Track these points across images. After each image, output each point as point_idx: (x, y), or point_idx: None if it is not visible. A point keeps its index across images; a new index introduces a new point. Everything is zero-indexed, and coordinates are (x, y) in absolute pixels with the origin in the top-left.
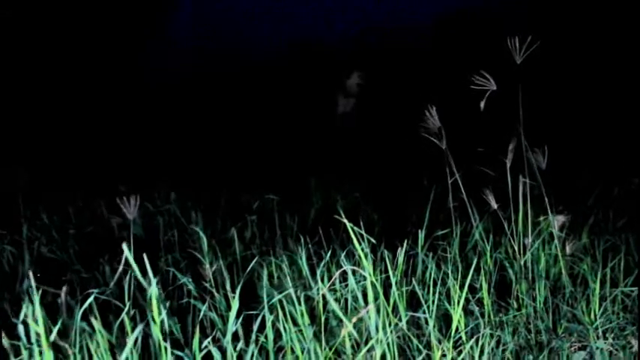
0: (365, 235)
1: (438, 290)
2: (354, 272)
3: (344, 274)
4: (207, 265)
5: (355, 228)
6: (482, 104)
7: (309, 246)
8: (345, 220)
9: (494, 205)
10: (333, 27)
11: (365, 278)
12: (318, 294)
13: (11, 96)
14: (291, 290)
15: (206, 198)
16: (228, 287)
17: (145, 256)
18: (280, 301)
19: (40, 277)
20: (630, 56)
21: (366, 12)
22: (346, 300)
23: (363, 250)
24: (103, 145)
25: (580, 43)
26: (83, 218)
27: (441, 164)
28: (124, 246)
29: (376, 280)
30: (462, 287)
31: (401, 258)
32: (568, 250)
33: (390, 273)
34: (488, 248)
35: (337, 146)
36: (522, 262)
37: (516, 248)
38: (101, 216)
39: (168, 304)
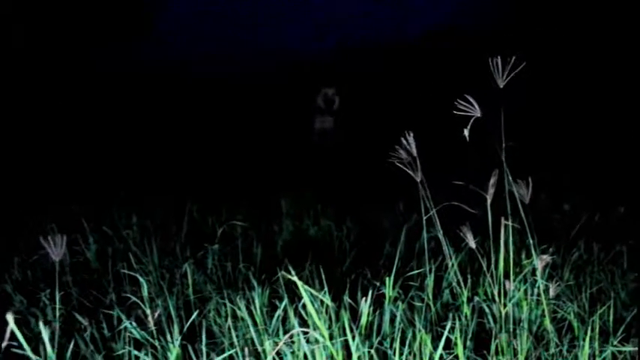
0: (324, 292)
1: (406, 350)
2: (307, 332)
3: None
4: (149, 312)
5: (308, 288)
6: (466, 132)
7: (271, 285)
8: (296, 279)
9: (473, 244)
10: (314, 43)
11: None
12: (268, 352)
13: None
14: (237, 350)
15: (168, 221)
16: (176, 334)
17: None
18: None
19: None
20: (616, 79)
21: (346, 30)
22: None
23: (317, 312)
24: (58, 155)
25: (565, 65)
26: (30, 242)
27: (416, 195)
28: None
29: (333, 342)
30: (434, 339)
31: (365, 310)
32: (552, 292)
33: (349, 335)
34: (465, 294)
35: (312, 164)
36: (503, 311)
37: (496, 291)
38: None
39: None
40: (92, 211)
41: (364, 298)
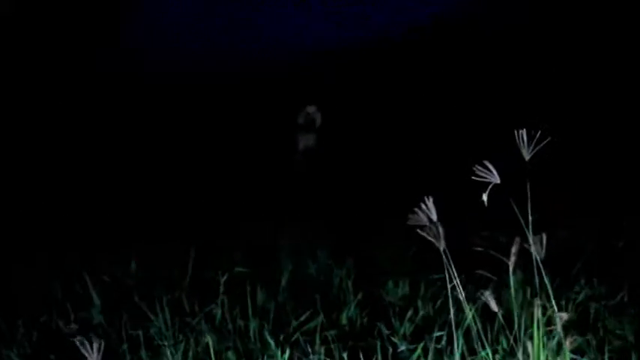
0: None
1: None
2: None
3: None
4: None
5: None
6: (485, 198)
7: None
8: None
9: (496, 309)
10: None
11: None
12: None
13: None
14: None
15: (169, 269)
16: None
17: None
18: None
19: None
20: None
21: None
22: None
23: None
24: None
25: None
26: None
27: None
28: None
29: None
30: None
31: None
32: (569, 345)
33: None
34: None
35: (300, 188)
36: None
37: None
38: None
39: None
40: (88, 258)
41: None
